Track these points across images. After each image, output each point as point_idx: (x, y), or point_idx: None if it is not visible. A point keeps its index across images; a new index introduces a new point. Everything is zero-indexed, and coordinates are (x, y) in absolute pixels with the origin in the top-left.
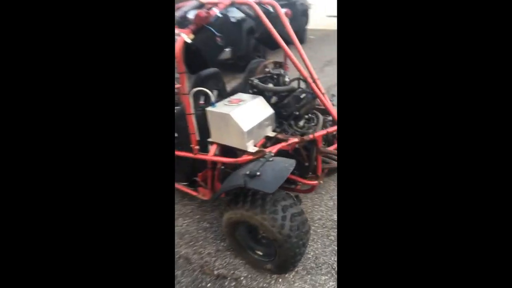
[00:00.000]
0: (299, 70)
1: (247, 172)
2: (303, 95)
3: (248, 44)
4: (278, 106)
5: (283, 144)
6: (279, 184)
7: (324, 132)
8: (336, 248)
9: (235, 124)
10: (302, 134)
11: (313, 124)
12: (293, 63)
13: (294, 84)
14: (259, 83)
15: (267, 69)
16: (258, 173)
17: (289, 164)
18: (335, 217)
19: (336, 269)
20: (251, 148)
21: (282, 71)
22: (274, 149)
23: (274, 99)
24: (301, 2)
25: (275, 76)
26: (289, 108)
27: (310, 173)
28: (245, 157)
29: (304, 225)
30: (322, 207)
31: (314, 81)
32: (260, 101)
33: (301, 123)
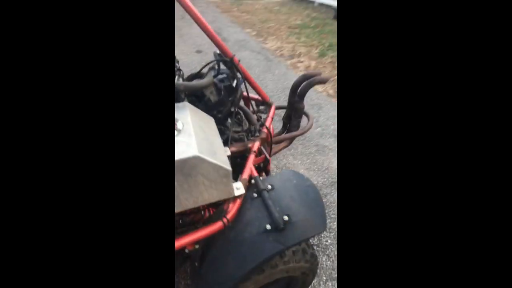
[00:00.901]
0: (222, 49)
1: (267, 227)
2: (234, 83)
3: None
4: (206, 107)
5: (253, 157)
6: (324, 211)
7: (270, 119)
8: None
9: (213, 166)
10: (249, 132)
11: (239, 115)
12: (214, 39)
13: (210, 70)
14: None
15: None
16: (285, 218)
17: (296, 177)
18: None
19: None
20: (237, 189)
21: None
22: (252, 171)
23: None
24: None
25: (177, 65)
26: (225, 106)
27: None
28: (232, 209)
29: None
30: None
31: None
32: (194, 111)
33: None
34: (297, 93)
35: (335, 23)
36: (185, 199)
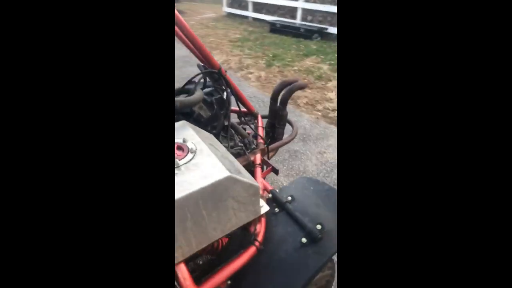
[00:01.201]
0: (210, 60)
1: (303, 241)
2: (225, 95)
3: None
4: (198, 124)
5: (260, 170)
6: None
7: (262, 129)
8: None
9: (243, 186)
10: (245, 145)
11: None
12: (202, 50)
13: (195, 84)
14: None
15: None
16: (319, 227)
17: (312, 183)
18: None
19: None
20: (261, 206)
21: None
22: (265, 184)
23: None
24: None
25: None
26: (219, 120)
27: None
28: (260, 229)
29: None
30: None
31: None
32: (196, 130)
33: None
34: (279, 100)
35: (273, 36)
36: (213, 230)
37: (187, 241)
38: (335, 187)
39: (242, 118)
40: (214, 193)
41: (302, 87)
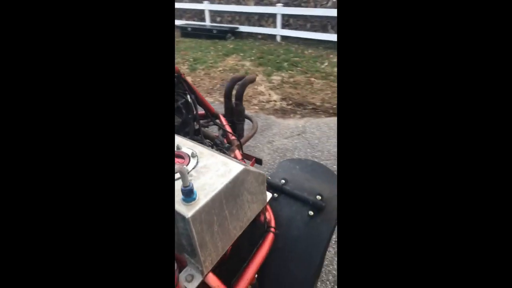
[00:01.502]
0: None
1: (310, 213)
2: (189, 99)
3: None
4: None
5: (242, 162)
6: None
7: (229, 127)
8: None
9: (255, 175)
10: (217, 145)
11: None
12: None
13: None
14: None
15: None
16: (318, 197)
17: (296, 162)
18: None
19: None
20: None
21: None
22: None
23: None
24: None
25: None
26: (189, 125)
27: None
28: (270, 216)
29: None
30: None
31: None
32: (180, 136)
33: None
34: (235, 97)
35: (186, 40)
36: (234, 229)
37: (215, 246)
38: (315, 159)
39: (202, 121)
40: (234, 189)
41: (252, 80)
